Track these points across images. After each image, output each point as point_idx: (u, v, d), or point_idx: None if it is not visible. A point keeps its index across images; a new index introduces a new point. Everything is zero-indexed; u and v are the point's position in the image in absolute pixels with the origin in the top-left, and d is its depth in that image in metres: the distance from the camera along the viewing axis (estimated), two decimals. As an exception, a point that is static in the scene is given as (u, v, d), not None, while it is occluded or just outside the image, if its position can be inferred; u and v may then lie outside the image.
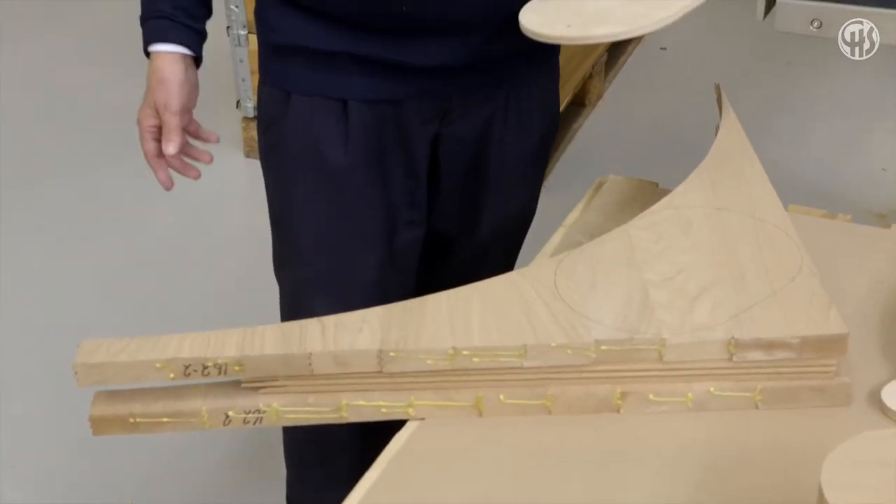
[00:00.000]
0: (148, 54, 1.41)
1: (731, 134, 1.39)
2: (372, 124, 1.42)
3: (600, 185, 1.49)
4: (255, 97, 1.71)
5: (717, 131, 1.47)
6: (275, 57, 1.45)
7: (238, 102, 3.17)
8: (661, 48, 3.81)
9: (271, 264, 1.58)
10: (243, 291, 2.64)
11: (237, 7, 3.00)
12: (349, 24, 1.37)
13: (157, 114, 1.39)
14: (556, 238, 1.38)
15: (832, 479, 0.85)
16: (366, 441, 1.51)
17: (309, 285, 1.50)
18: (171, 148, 1.39)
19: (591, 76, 3.37)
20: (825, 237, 1.34)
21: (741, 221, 1.24)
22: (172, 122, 1.39)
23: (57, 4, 4.19)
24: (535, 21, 1.29)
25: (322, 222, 1.48)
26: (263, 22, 1.46)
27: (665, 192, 1.46)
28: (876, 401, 1.10)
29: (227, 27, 3.04)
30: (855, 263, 1.30)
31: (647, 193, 1.46)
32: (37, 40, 3.96)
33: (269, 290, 1.63)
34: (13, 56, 3.86)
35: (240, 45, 3.04)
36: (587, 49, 3.23)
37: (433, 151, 1.48)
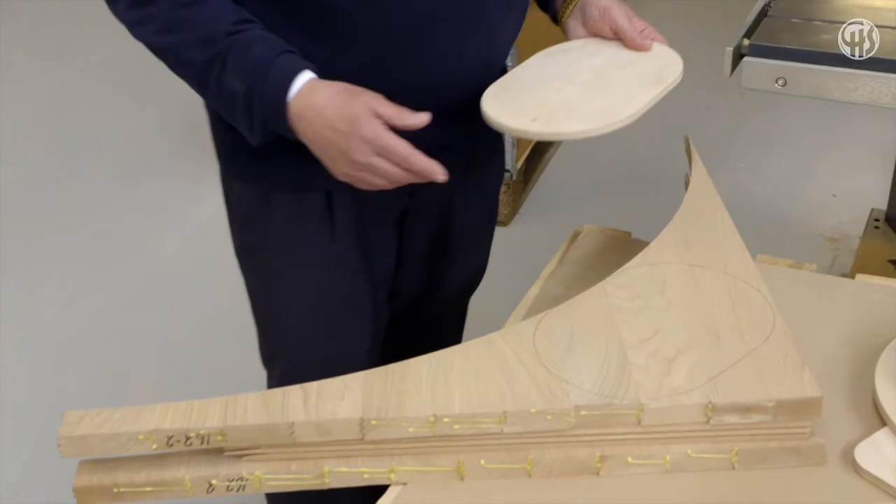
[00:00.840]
0: (286, 90, 1.14)
1: (702, 187, 1.34)
2: (355, 211, 1.32)
3: (576, 236, 1.43)
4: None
5: (686, 181, 1.41)
6: (249, 154, 1.27)
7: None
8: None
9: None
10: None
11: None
12: None
13: (376, 114, 1.14)
14: (535, 290, 1.32)
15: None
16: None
17: (302, 377, 1.39)
18: (425, 117, 1.14)
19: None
20: (792, 288, 1.29)
21: (714, 278, 1.18)
22: (395, 107, 1.14)
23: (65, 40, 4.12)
24: (498, 112, 1.21)
25: (315, 316, 1.37)
26: (230, 128, 1.26)
27: (637, 242, 1.41)
28: (849, 459, 1.05)
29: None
30: (822, 316, 1.25)
31: (621, 244, 1.41)
32: (43, 73, 3.89)
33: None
34: (19, 88, 3.79)
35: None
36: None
37: (400, 224, 1.40)
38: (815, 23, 1.45)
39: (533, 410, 1.01)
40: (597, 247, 1.41)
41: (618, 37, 1.33)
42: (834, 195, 3.18)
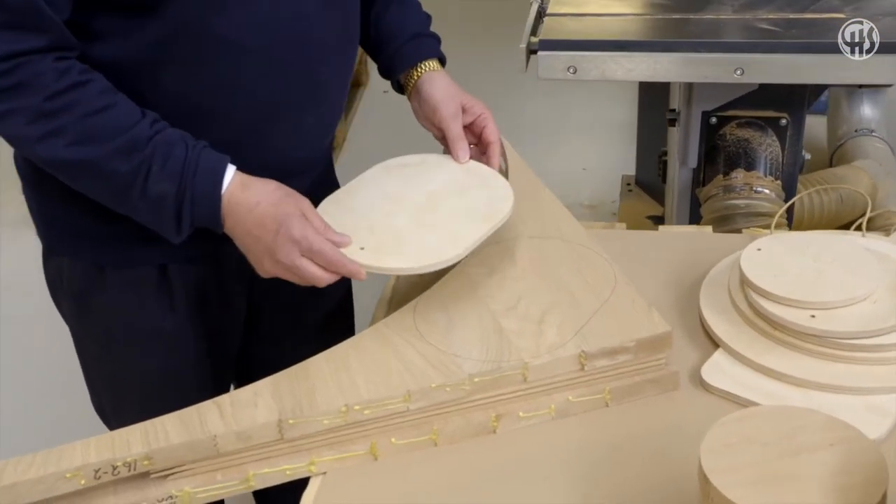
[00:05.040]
0: (219, 186, 1.04)
1: (520, 170, 1.36)
2: (194, 279, 1.20)
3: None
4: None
5: (500, 170, 1.43)
6: (77, 232, 1.16)
7: None
8: (384, 91, 3.77)
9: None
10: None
11: None
12: None
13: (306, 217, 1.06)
14: (391, 282, 1.31)
15: (712, 466, 0.82)
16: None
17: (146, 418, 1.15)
18: (347, 239, 1.08)
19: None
20: (610, 245, 1.32)
21: (555, 246, 1.21)
22: (322, 221, 1.07)
23: None
24: None
25: (156, 382, 1.22)
26: (56, 206, 1.15)
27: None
28: (697, 380, 1.10)
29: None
30: (640, 264, 1.29)
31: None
32: None
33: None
34: None
35: None
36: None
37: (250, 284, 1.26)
38: (587, 17, 1.51)
39: (433, 385, 1.00)
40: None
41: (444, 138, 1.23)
42: (584, 168, 3.32)
